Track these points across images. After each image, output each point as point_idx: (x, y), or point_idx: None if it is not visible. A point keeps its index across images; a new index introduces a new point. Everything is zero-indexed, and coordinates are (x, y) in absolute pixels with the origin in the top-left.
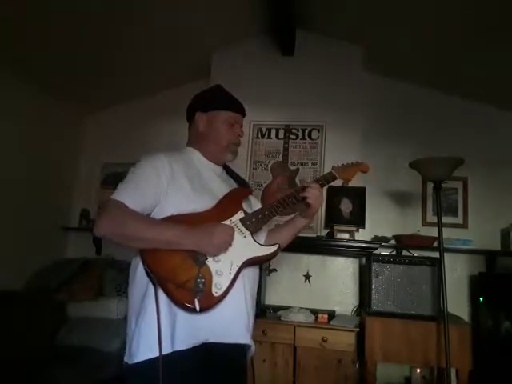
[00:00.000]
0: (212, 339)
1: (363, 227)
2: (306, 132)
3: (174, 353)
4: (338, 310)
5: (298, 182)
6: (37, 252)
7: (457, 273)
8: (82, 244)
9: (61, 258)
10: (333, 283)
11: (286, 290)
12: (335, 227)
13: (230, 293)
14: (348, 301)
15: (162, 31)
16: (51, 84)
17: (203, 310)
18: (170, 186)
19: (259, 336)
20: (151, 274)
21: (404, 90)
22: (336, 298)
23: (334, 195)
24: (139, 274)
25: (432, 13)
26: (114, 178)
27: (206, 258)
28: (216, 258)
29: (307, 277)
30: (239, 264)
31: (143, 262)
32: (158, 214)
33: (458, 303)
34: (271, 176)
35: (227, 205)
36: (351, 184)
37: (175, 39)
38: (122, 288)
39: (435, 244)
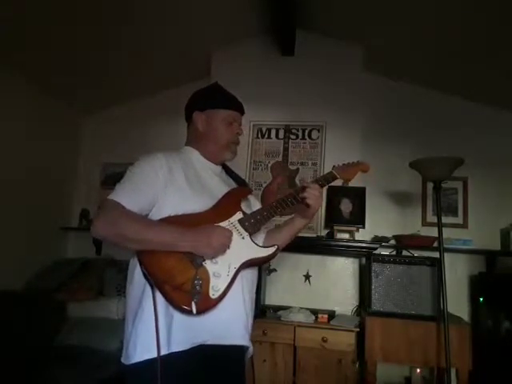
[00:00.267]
0: (210, 341)
1: (363, 227)
2: (306, 132)
3: (171, 354)
4: (337, 310)
5: (297, 182)
6: (37, 252)
7: (457, 273)
8: (82, 244)
9: (61, 258)
10: (333, 283)
11: (286, 289)
12: (335, 227)
13: (228, 294)
14: (348, 301)
15: (162, 31)
16: (51, 84)
17: (200, 312)
18: (168, 185)
19: (259, 336)
20: (148, 275)
21: (404, 90)
22: (336, 298)
23: (334, 195)
24: (137, 275)
25: (432, 13)
26: (114, 178)
27: (204, 260)
28: (214, 259)
29: (307, 277)
30: (237, 266)
31: (140, 264)
32: (156, 213)
33: (458, 303)
34: (271, 176)
35: (226, 205)
36: (351, 184)
37: (175, 39)
38: (121, 288)
39: (435, 244)
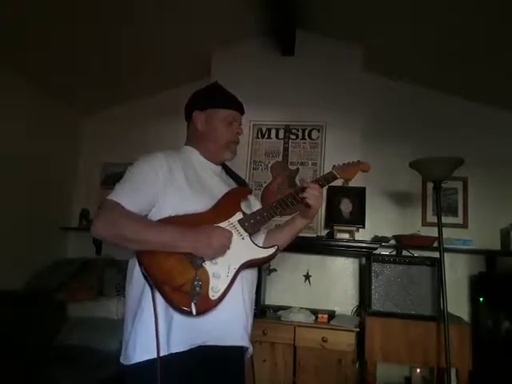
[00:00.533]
0: (210, 342)
1: (363, 227)
2: (306, 132)
3: (171, 355)
4: (337, 310)
5: (297, 182)
6: (37, 252)
7: (457, 273)
8: (82, 244)
9: (61, 258)
10: (333, 283)
11: (286, 289)
12: (335, 227)
13: (228, 295)
14: (348, 301)
15: (162, 31)
16: (51, 84)
17: (200, 313)
18: (168, 185)
19: (259, 336)
20: (148, 276)
21: (404, 90)
22: (336, 298)
23: (334, 195)
24: (136, 275)
25: (432, 13)
26: (114, 178)
27: (204, 261)
28: (213, 260)
29: (307, 277)
30: (237, 266)
31: (140, 265)
32: (156, 214)
33: (458, 303)
34: (271, 176)
35: (226, 205)
36: (351, 184)
37: (175, 39)
38: (121, 288)
39: (435, 244)
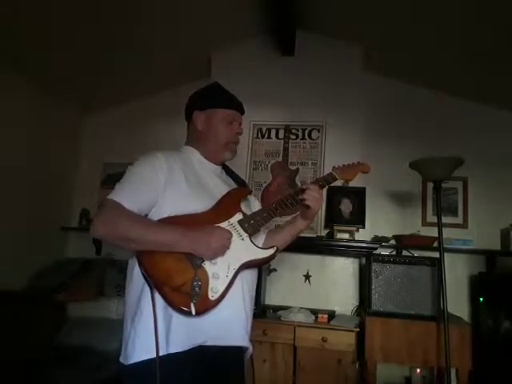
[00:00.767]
0: (210, 341)
1: (363, 227)
2: (306, 132)
3: (170, 355)
4: (337, 310)
5: (298, 182)
6: (37, 252)
7: (457, 273)
8: (82, 244)
9: (61, 258)
10: (333, 283)
11: (286, 289)
12: (335, 227)
13: (228, 295)
14: (348, 301)
15: (162, 31)
16: (51, 84)
17: (199, 313)
18: (168, 185)
19: (259, 336)
20: (147, 277)
21: (404, 90)
22: (336, 297)
23: (334, 195)
24: (136, 275)
25: (432, 13)
26: (114, 178)
27: (203, 261)
28: (213, 260)
29: (307, 277)
30: (236, 267)
31: (139, 265)
32: (156, 214)
33: (458, 303)
34: (271, 176)
35: (226, 206)
36: (351, 184)
37: (175, 39)
38: (121, 288)
39: (435, 244)
